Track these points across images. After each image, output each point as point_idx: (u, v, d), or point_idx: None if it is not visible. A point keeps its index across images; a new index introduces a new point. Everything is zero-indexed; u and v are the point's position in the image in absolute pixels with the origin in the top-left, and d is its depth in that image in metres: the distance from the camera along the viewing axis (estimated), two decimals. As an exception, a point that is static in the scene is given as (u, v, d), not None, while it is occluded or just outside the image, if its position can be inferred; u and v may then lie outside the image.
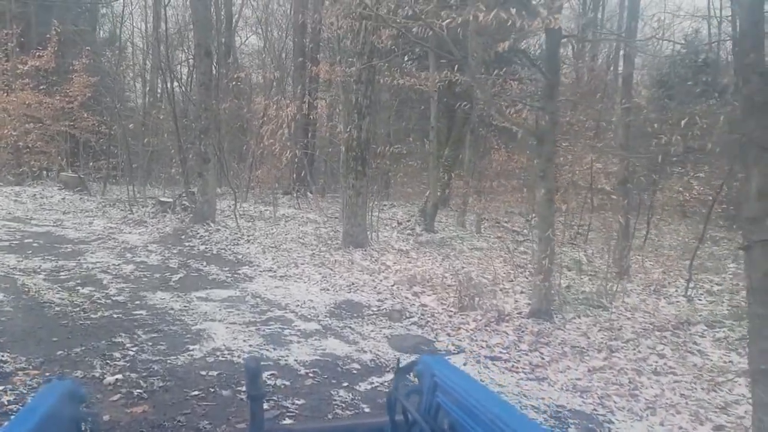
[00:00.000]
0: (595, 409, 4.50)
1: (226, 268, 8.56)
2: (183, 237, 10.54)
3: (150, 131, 17.80)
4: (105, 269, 7.96)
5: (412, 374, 1.63)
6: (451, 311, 6.86)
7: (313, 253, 9.78)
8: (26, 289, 6.57)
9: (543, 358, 5.51)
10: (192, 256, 9.30)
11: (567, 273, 8.99)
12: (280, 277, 8.26)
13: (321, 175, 21.39)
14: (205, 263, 8.79)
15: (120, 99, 18.10)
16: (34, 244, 9.26)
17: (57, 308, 5.94)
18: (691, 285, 8.40)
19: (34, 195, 14.93)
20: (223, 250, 9.82)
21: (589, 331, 6.34)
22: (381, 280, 8.26)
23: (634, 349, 5.79)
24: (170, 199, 13.56)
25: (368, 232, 10.80)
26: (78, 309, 5.96)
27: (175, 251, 9.52)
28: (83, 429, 1.41)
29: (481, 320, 6.46)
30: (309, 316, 6.35)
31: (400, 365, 1.62)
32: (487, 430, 1.22)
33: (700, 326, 6.58)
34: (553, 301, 6.78)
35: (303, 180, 18.29)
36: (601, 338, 6.12)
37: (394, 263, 9.44)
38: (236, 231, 11.38)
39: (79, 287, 6.86)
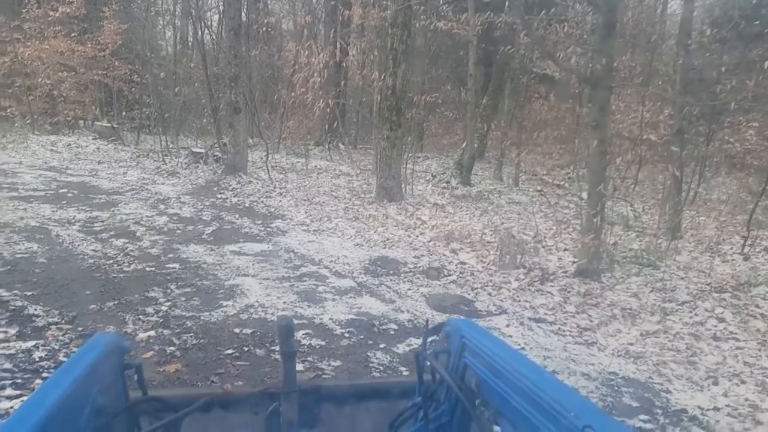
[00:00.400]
0: (650, 377, 4.20)
1: (259, 222, 8.39)
2: (215, 189, 10.41)
3: (181, 80, 17.56)
4: (138, 221, 7.88)
5: (440, 335, 1.64)
6: (492, 269, 6.56)
7: (347, 207, 9.54)
8: (60, 241, 6.52)
9: (591, 321, 5.19)
10: (224, 208, 9.16)
11: (613, 230, 8.54)
12: (314, 231, 8.06)
13: (353, 126, 20.97)
14: (237, 216, 8.64)
15: (150, 47, 17.81)
16: (69, 195, 9.25)
17: (90, 260, 5.86)
18: (749, 242, 7.87)
19: (69, 144, 15.00)
20: (255, 203, 9.65)
21: (640, 291, 5.97)
22: (417, 236, 7.98)
23: (690, 312, 5.42)
24: (202, 150, 13.41)
25: (403, 186, 10.47)
26: (111, 261, 5.88)
27: (207, 203, 9.40)
28: (127, 379, 1.49)
29: (523, 279, 6.15)
30: (343, 273, 6.14)
31: (429, 326, 1.64)
32: (515, 390, 1.21)
33: (761, 288, 6.13)
34: (601, 260, 6.41)
35: (335, 131, 17.91)
36: (654, 300, 5.76)
37: (430, 218, 9.13)
38: (268, 183, 11.19)
39: (112, 239, 6.79)
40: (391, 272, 6.30)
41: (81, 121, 18.30)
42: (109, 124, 16.71)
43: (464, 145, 13.10)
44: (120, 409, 1.43)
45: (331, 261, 6.56)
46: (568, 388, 1.24)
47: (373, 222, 8.64)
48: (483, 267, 6.67)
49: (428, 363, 1.57)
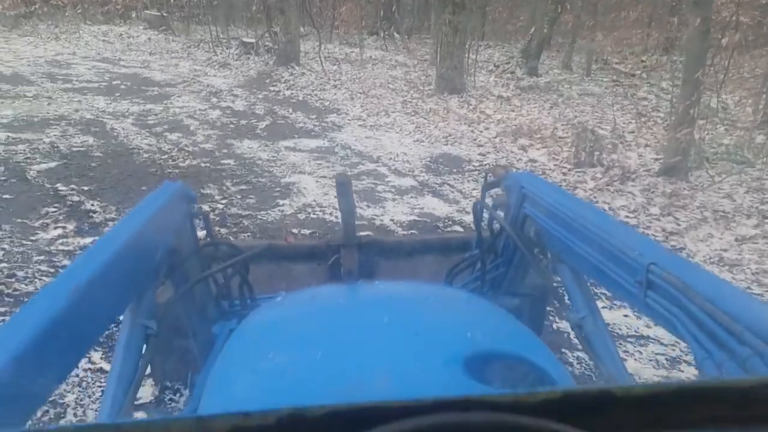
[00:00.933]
0: (749, 287, 3.77)
1: (313, 116, 8.01)
2: (267, 81, 9.98)
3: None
4: (191, 114, 7.66)
5: (500, 188, 1.63)
6: (565, 167, 6.03)
7: (405, 101, 8.97)
8: (115, 134, 6.39)
9: (679, 225, 4.70)
10: (277, 101, 8.79)
11: (703, 124, 7.70)
12: (370, 126, 7.63)
13: (409, 13, 19.56)
14: (291, 110, 8.27)
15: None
16: (122, 87, 9.08)
17: (145, 155, 5.72)
18: None
19: (121, 35, 14.70)
20: (309, 96, 9.22)
21: (734, 192, 5.37)
22: (481, 131, 7.43)
23: (794, 217, 4.83)
24: (253, 40, 12.84)
25: (464, 77, 9.71)
26: (166, 157, 5.71)
27: (260, 96, 9.04)
28: (195, 226, 1.60)
29: (601, 179, 5.62)
30: (403, 171, 5.78)
31: (488, 179, 1.67)
32: (576, 235, 1.22)
33: None
34: (690, 157, 5.75)
35: (391, 19, 16.77)
36: (750, 201, 5.17)
37: (495, 112, 8.48)
38: (322, 75, 10.66)
39: (166, 133, 6.61)
40: (455, 170, 5.89)
41: (134, 13, 17.84)
42: (158, 13, 16.20)
43: (532, 30, 11.95)
44: (191, 251, 1.52)
45: (390, 158, 6.18)
46: (631, 230, 1.24)
47: (433, 116, 8.10)
48: (555, 165, 6.14)
49: (486, 216, 1.58)
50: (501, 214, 1.59)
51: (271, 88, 9.54)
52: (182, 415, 0.47)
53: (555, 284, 1.49)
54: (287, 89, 9.52)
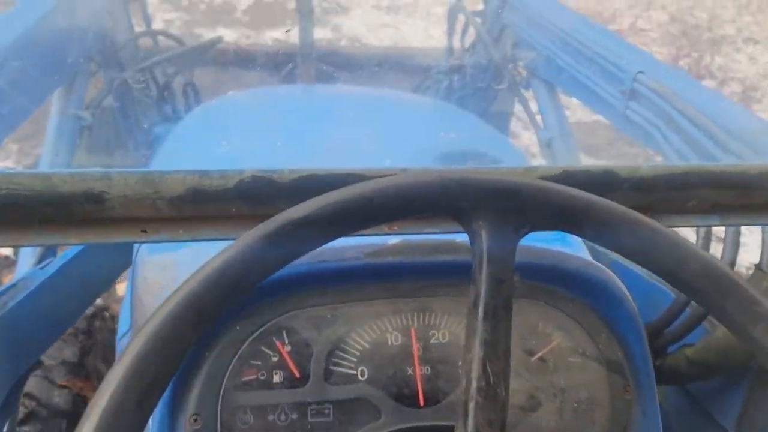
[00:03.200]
0: None
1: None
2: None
3: None
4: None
5: None
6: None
7: None
8: None
9: None
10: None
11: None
12: (387, 8, 5.84)
13: None
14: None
15: None
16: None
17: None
18: None
19: None
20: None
21: None
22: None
23: None
24: None
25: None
26: None
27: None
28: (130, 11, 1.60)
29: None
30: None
31: None
32: (559, 45, 1.19)
33: None
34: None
35: None
36: None
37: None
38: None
39: None
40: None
41: None
42: None
43: None
44: (126, 39, 1.41)
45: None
46: (618, 39, 1.18)
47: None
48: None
49: (461, 22, 1.55)
50: (479, 21, 1.51)
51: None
52: (127, 169, 0.37)
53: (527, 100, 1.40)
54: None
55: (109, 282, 0.94)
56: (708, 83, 4.21)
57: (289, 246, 0.33)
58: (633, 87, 0.96)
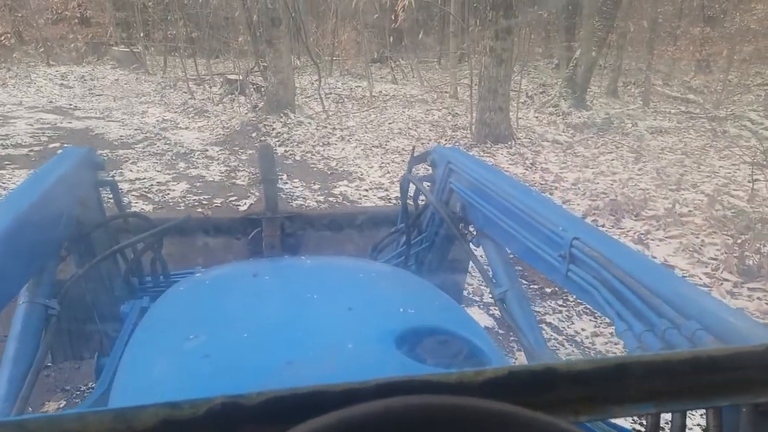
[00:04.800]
0: None
1: (317, 186, 5.77)
2: (254, 135, 7.72)
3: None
4: (146, 191, 5.43)
5: (427, 162, 1.65)
6: (727, 280, 3.74)
7: (437, 154, 6.74)
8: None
9: None
10: (267, 163, 6.55)
11: None
12: (398, 200, 5.37)
13: (415, 37, 17.22)
14: (285, 177, 6.03)
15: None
16: (60, 151, 6.83)
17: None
18: None
19: (83, 77, 12.58)
20: (309, 154, 6.99)
21: None
22: (559, 203, 5.17)
23: None
24: (239, 77, 10.70)
25: (511, 120, 7.49)
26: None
27: (243, 157, 6.80)
28: (101, 193, 1.54)
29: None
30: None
31: (414, 154, 1.72)
32: (501, 210, 1.25)
33: None
34: None
35: (396, 45, 14.68)
36: None
37: (562, 168, 6.26)
38: (324, 121, 8.46)
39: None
40: (546, 293, 3.59)
41: (103, 47, 15.76)
42: (128, 49, 14.10)
43: (578, 52, 9.78)
44: (97, 223, 1.43)
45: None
46: (555, 205, 1.25)
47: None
48: (707, 274, 3.84)
49: (412, 191, 1.58)
50: (428, 187, 1.56)
51: (257, 145, 7.29)
52: (100, 409, 0.39)
53: (479, 258, 1.42)
54: (280, 145, 7.27)
55: None
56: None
57: None
58: (571, 252, 1.00)
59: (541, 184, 5.76)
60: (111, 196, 1.61)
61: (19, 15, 14.62)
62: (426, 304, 1.08)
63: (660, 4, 11.98)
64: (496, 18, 6.63)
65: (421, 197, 1.59)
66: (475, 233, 1.42)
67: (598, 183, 5.69)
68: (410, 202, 1.63)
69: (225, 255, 1.76)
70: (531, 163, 6.42)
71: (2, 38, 13.20)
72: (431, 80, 13.71)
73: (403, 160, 6.60)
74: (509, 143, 7.03)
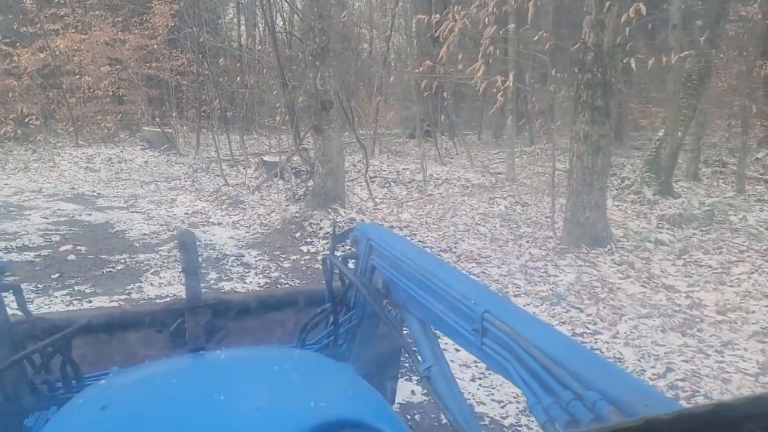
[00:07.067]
0: None
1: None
2: (298, 234, 6.56)
3: (246, 67, 13.98)
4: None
5: (348, 240, 1.62)
6: None
7: (524, 265, 5.47)
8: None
9: None
10: (314, 275, 5.35)
11: None
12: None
13: (441, 110, 15.90)
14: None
15: (210, 28, 14.37)
16: (71, 257, 5.76)
17: None
18: None
19: (111, 159, 11.85)
20: (364, 259, 5.79)
21: None
22: (710, 355, 3.79)
23: None
24: (276, 159, 9.77)
25: (607, 218, 6.23)
26: None
27: (286, 265, 5.63)
28: (5, 298, 1.40)
29: None
30: None
31: (336, 233, 1.69)
32: (419, 286, 1.24)
33: None
34: None
35: (436, 118, 13.81)
36: None
37: (690, 285, 4.92)
38: (373, 211, 7.33)
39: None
40: None
41: (134, 127, 15.22)
42: (159, 129, 13.45)
43: (661, 133, 8.61)
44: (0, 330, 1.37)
45: None
46: (466, 278, 1.24)
47: (591, 303, 4.53)
48: None
49: (336, 270, 1.52)
50: (351, 266, 1.54)
51: (304, 248, 6.11)
52: None
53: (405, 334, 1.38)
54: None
55: None
56: None
57: None
58: (483, 325, 0.99)
59: (674, 310, 4.41)
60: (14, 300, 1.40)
61: (50, 94, 14.23)
62: (340, 395, 1.12)
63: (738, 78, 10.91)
64: (593, 99, 5.52)
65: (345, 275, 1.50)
66: (398, 310, 1.37)
67: (754, 311, 4.32)
68: (344, 280, 1.49)
69: (145, 351, 1.58)
70: (647, 277, 5.10)
71: (29, 120, 12.63)
72: (478, 156, 12.70)
73: (483, 272, 5.35)
74: (608, 246, 5.74)
